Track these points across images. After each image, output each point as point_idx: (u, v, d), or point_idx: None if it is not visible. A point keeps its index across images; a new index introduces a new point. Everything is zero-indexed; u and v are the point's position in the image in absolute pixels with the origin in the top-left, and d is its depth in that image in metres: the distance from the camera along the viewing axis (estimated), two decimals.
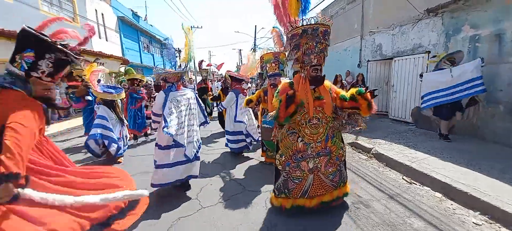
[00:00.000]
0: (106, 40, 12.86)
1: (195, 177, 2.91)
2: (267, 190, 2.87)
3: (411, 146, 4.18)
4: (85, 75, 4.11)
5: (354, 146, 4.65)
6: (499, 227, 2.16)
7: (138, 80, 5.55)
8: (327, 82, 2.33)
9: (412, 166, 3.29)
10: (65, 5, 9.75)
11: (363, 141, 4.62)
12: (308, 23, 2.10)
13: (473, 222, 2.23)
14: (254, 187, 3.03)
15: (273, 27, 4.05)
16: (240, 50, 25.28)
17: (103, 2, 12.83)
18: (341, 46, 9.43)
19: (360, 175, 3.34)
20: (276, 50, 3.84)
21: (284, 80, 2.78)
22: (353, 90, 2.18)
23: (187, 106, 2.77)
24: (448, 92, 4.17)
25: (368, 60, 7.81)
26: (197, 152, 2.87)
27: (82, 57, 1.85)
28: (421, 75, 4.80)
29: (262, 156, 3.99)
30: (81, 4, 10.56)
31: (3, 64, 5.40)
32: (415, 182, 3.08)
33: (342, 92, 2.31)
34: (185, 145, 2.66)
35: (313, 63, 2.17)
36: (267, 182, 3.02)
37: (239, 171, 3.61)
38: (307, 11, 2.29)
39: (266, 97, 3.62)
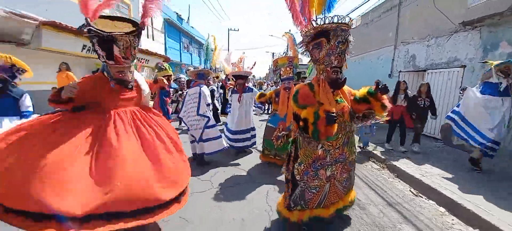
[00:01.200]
0: (153, 39, 14.42)
1: (203, 154, 3.73)
2: (270, 182, 3.17)
3: (431, 162, 4.06)
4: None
5: (369, 155, 4.65)
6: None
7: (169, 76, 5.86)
8: (345, 86, 2.17)
9: (422, 180, 3.27)
10: (122, 8, 11.29)
11: (379, 152, 4.60)
12: (331, 21, 1.91)
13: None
14: (259, 179, 3.35)
15: (286, 32, 4.17)
16: (273, 53, 25.51)
17: None
18: (373, 55, 9.18)
19: (366, 182, 3.43)
20: (290, 55, 3.92)
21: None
22: (363, 91, 2.08)
23: (193, 99, 3.61)
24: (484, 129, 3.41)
25: (400, 71, 7.52)
26: (201, 135, 3.60)
27: (123, 34, 1.75)
28: (463, 89, 3.99)
29: (261, 159, 3.96)
30: (134, 8, 12.09)
31: (65, 55, 6.59)
32: (421, 195, 3.08)
33: (356, 93, 2.17)
34: (190, 128, 3.64)
35: (334, 65, 2.00)
36: (271, 176, 3.38)
37: (249, 164, 3.96)
38: (332, 9, 2.04)
39: (277, 99, 3.82)
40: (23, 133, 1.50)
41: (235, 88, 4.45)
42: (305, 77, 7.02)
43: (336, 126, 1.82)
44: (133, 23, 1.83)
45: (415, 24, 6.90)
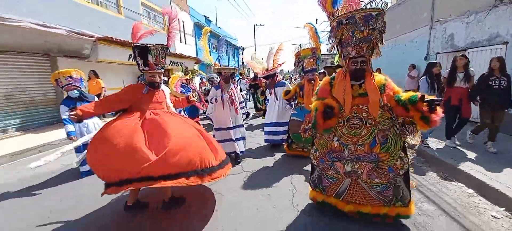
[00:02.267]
0: (185, 43, 15.53)
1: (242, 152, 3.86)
2: (295, 172, 3.35)
3: (464, 145, 3.88)
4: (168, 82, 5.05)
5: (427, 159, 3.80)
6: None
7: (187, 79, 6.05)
8: (381, 77, 2.01)
9: (452, 164, 3.22)
10: (158, 18, 12.44)
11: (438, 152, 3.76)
12: (349, 11, 1.87)
13: (491, 215, 2.26)
14: (285, 167, 3.58)
15: (307, 22, 3.94)
16: (300, 45, 24.96)
17: (183, 11, 15.50)
18: (406, 37, 8.64)
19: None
20: (313, 46, 3.77)
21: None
22: (407, 95, 1.82)
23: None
24: None
25: (437, 53, 7.01)
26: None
27: (155, 45, 2.35)
28: None
29: (284, 148, 4.01)
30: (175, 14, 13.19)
31: (115, 64, 7.65)
32: (451, 178, 3.06)
33: (401, 92, 1.94)
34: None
35: (351, 55, 1.94)
36: (296, 166, 3.57)
37: (277, 156, 4.24)
38: (337, 3, 2.00)
39: (301, 93, 3.76)
40: (107, 130, 2.10)
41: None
42: (339, 66, 6.49)
43: (334, 120, 1.92)
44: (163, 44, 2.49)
45: (449, 1, 6.37)
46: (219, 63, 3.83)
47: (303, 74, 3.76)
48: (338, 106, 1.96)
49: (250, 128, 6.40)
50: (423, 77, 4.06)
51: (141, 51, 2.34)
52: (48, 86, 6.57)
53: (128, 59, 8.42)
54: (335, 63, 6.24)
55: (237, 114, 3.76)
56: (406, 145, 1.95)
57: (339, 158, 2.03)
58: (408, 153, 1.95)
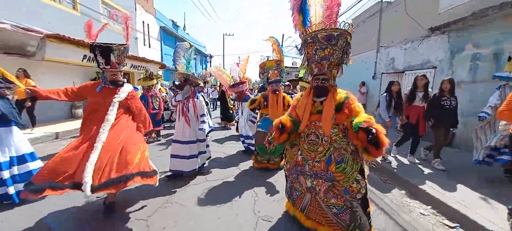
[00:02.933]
0: (149, 47, 14.85)
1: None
2: (254, 185, 3.36)
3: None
4: None
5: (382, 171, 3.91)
6: (443, 219, 2.59)
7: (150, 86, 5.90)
8: (341, 95, 1.97)
9: (412, 181, 3.30)
10: (120, 18, 11.72)
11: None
12: (309, 31, 1.93)
13: (420, 212, 2.70)
14: (246, 181, 3.65)
15: (270, 36, 4.04)
16: (267, 57, 25.78)
17: (149, 14, 14.88)
18: (359, 57, 9.72)
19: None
20: (277, 58, 3.89)
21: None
22: (356, 120, 1.76)
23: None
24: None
25: (382, 73, 8.05)
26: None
27: (118, 44, 2.45)
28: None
29: (252, 160, 4.01)
30: (132, 17, 12.53)
31: (64, 64, 6.97)
32: (390, 182, 3.53)
33: (360, 114, 1.84)
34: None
35: (314, 72, 2.00)
36: (258, 177, 3.72)
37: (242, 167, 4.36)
38: (307, 22, 2.06)
39: (266, 103, 3.82)
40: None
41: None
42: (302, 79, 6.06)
43: (284, 136, 2.02)
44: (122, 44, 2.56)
45: (394, 29, 7.46)
46: (175, 68, 3.49)
47: (267, 85, 3.85)
48: (291, 125, 2.04)
49: (220, 139, 6.22)
50: (384, 94, 4.16)
51: (103, 51, 2.40)
52: None
53: (82, 60, 7.73)
54: (300, 75, 6.17)
55: (189, 126, 3.35)
56: (364, 168, 1.91)
57: (302, 172, 2.05)
58: (365, 177, 1.90)
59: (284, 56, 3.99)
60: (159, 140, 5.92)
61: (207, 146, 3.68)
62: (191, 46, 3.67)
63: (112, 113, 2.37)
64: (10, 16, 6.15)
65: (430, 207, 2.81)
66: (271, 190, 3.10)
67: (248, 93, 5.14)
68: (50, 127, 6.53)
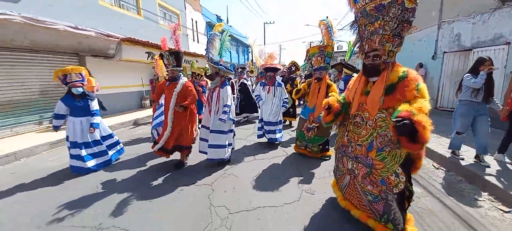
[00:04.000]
0: (198, 42, 16.09)
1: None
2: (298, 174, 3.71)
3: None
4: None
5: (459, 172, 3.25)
6: (497, 205, 2.41)
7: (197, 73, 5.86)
8: (396, 74, 1.72)
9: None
10: (173, 18, 13.04)
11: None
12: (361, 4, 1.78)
13: (474, 198, 2.57)
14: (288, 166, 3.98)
15: (321, 20, 3.82)
16: (310, 43, 25.10)
17: (196, 11, 16.04)
18: (415, 36, 8.75)
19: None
20: (325, 43, 3.71)
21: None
22: (401, 107, 1.53)
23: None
24: None
25: (444, 52, 7.15)
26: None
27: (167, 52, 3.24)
28: None
29: (295, 149, 4.02)
30: (182, 16, 13.76)
31: (136, 63, 8.19)
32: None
33: (417, 101, 1.57)
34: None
35: (365, 50, 1.85)
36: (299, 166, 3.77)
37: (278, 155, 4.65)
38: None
39: (309, 90, 3.75)
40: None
41: (265, 81, 4.52)
42: (346, 65, 5.73)
43: (329, 116, 2.05)
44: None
45: (459, 1, 6.50)
46: (208, 59, 3.43)
47: (313, 72, 3.79)
48: (338, 106, 2.05)
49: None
50: (467, 75, 3.12)
51: (175, 55, 3.24)
52: None
53: (147, 59, 9.02)
54: (346, 60, 5.88)
55: (210, 115, 3.47)
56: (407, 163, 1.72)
57: (346, 153, 2.04)
58: (407, 172, 1.72)
59: (332, 40, 3.71)
60: None
61: (233, 135, 3.69)
62: (223, 30, 3.57)
63: (172, 101, 3.25)
64: (92, 25, 7.59)
65: None
66: (314, 169, 3.34)
67: (278, 80, 4.68)
68: (127, 116, 7.97)
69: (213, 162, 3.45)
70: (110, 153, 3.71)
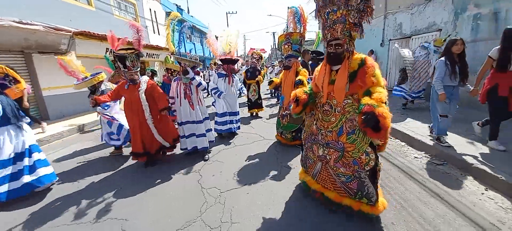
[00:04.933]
0: (159, 34, 15.26)
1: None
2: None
3: (413, 117, 4.98)
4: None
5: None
6: (432, 159, 3.12)
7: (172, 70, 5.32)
8: (355, 61, 1.81)
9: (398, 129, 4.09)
10: (129, 8, 12.11)
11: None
12: None
13: (414, 156, 3.25)
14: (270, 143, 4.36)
15: (290, 7, 3.67)
16: (274, 33, 25.53)
17: (154, 1, 15.10)
18: (366, 25, 9.74)
19: None
20: (291, 31, 3.62)
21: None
22: (364, 100, 1.63)
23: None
24: None
25: (390, 39, 8.20)
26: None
27: (129, 53, 2.97)
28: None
29: (276, 137, 4.07)
30: (139, 6, 12.87)
31: (94, 59, 7.59)
32: (392, 137, 4.07)
33: (375, 88, 1.71)
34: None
35: (328, 38, 1.87)
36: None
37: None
38: None
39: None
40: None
41: (223, 73, 4.37)
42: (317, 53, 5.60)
43: (298, 108, 2.08)
44: (134, 48, 3.09)
45: None
46: (178, 51, 3.36)
47: (284, 60, 3.79)
48: (305, 97, 2.09)
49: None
50: (441, 58, 3.18)
51: (120, 59, 2.97)
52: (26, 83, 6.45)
53: (105, 53, 8.36)
54: (315, 48, 5.89)
55: (193, 109, 3.42)
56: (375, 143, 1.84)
57: (316, 141, 2.10)
58: (375, 150, 1.84)
59: (299, 26, 3.56)
60: None
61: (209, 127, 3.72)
62: (182, 20, 3.52)
63: (144, 102, 3.07)
64: (37, 17, 6.75)
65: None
66: (290, 148, 3.73)
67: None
68: (75, 120, 7.38)
69: (203, 150, 3.54)
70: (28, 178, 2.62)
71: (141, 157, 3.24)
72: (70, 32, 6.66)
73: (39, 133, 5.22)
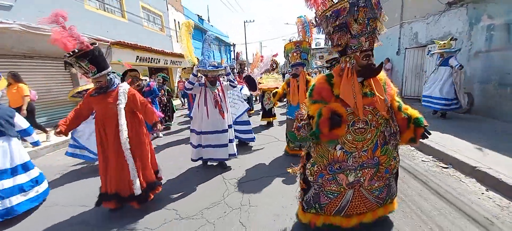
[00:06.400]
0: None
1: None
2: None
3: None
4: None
5: None
6: (438, 164, 3.29)
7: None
8: (381, 74, 1.76)
9: None
10: (156, 20, 13.17)
11: None
12: None
13: (421, 159, 3.44)
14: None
15: (298, 17, 3.74)
16: (290, 40, 25.70)
17: (178, 12, 16.20)
18: (383, 34, 9.84)
19: None
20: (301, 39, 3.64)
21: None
22: (412, 112, 1.78)
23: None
24: None
25: (406, 48, 8.27)
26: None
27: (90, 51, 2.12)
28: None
29: (285, 149, 3.94)
30: (165, 17, 13.92)
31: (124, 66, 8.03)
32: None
33: (397, 98, 1.82)
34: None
35: (364, 48, 1.64)
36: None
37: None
38: None
39: (289, 89, 3.65)
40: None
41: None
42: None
43: (343, 128, 1.63)
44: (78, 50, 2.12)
45: (416, 3, 7.61)
46: (205, 65, 3.11)
47: (290, 69, 3.74)
48: (345, 112, 1.66)
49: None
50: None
51: (89, 58, 2.13)
52: (68, 87, 7.35)
53: (135, 61, 9.25)
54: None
55: (224, 118, 3.25)
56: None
57: (342, 168, 1.78)
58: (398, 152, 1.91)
59: (308, 36, 3.64)
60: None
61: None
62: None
63: (121, 120, 2.24)
64: (81, 30, 7.70)
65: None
66: None
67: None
68: None
69: (221, 160, 3.40)
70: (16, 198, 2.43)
71: (110, 201, 2.33)
72: (108, 42, 7.54)
73: (43, 141, 4.93)
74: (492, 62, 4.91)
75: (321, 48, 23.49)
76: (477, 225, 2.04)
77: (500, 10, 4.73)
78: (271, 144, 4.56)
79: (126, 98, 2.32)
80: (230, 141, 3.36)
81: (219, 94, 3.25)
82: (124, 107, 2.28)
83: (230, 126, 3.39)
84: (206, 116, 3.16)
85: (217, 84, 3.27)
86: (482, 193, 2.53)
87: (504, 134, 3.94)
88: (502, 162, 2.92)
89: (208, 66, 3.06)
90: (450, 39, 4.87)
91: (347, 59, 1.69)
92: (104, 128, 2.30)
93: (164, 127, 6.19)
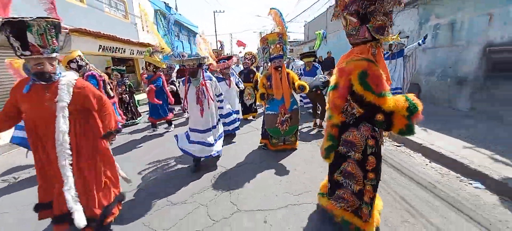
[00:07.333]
0: (147, 32, 15.33)
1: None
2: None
3: None
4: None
5: None
6: (393, 143, 3.88)
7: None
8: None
9: None
10: (119, 6, 12.18)
11: None
12: None
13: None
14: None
15: (271, 8, 3.55)
16: (260, 32, 25.88)
17: None
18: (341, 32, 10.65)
19: None
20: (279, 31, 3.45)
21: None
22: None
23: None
24: None
25: None
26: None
27: (37, 18, 1.58)
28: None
29: (261, 143, 3.89)
30: (129, 3, 12.94)
31: (90, 57, 7.65)
32: None
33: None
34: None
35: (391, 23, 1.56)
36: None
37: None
38: None
39: (269, 84, 3.48)
40: None
41: (221, 76, 4.67)
42: (313, 53, 5.35)
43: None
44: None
45: None
46: (174, 53, 3.00)
47: (269, 62, 3.56)
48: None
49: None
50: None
51: (16, 29, 1.54)
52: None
53: (98, 50, 8.55)
54: (315, 48, 5.73)
55: (202, 116, 3.04)
56: None
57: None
58: None
59: (286, 28, 3.52)
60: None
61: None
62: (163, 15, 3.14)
63: (60, 124, 1.64)
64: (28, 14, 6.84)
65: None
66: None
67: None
68: None
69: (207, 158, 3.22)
70: None
71: (63, 224, 1.81)
72: (67, 28, 6.85)
73: None
74: (436, 58, 5.76)
75: (291, 41, 24.19)
76: (423, 188, 2.55)
77: (445, 11, 5.55)
78: (252, 132, 4.79)
79: (71, 94, 1.72)
80: (215, 140, 3.21)
81: (202, 90, 3.01)
82: (68, 106, 1.69)
83: (214, 126, 3.21)
84: (193, 112, 3.07)
85: (200, 78, 3.02)
86: (426, 164, 3.12)
87: (444, 117, 4.74)
88: (442, 139, 3.58)
89: (182, 57, 2.90)
90: (399, 33, 5.24)
91: (378, 45, 1.62)
92: (42, 142, 1.69)
93: (125, 124, 5.82)
